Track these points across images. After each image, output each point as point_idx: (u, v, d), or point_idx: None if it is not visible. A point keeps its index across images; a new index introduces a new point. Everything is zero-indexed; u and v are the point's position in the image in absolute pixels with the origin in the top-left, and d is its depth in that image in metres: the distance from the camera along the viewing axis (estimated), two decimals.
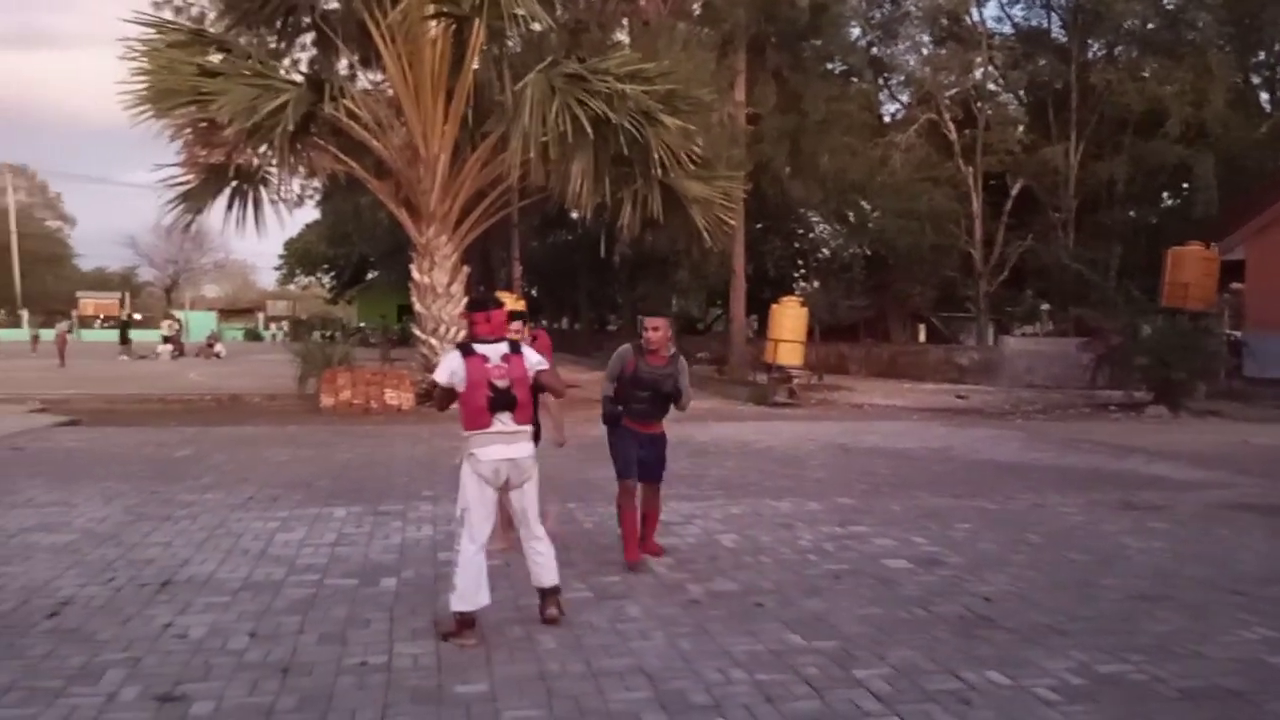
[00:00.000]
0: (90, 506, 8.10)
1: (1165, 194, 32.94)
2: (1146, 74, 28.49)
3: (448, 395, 5.04)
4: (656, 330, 6.27)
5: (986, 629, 5.13)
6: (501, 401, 4.92)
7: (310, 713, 3.94)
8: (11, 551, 6.52)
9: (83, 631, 4.90)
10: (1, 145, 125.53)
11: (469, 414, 4.95)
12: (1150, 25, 30.00)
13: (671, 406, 6.39)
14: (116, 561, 6.30)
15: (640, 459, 6.28)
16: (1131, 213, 31.33)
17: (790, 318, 20.20)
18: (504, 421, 4.95)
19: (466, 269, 19.19)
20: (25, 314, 57.53)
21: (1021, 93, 32.81)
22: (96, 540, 6.88)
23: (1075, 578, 6.22)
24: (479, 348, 4.99)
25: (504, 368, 4.96)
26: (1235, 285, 24.17)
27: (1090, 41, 31.38)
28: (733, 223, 19.82)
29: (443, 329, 18.45)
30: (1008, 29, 33.85)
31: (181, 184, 18.42)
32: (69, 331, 32.03)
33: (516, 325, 6.24)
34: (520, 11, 15.62)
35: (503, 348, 5.04)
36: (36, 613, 5.20)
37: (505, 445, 4.96)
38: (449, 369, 4.97)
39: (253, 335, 64.49)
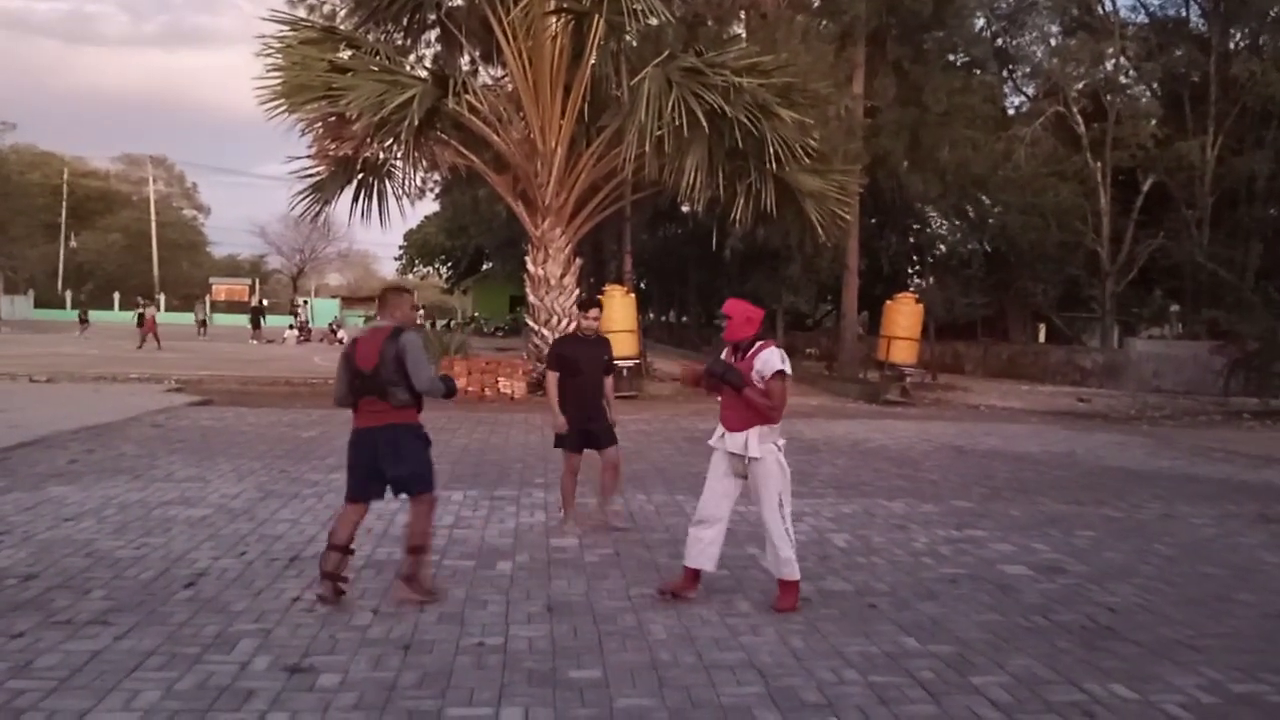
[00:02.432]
0: (224, 483, 8.50)
1: None
2: None
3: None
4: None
5: (1111, 640, 4.96)
6: None
7: (430, 689, 4.06)
8: (152, 524, 6.89)
9: (218, 602, 5.15)
10: (143, 137, 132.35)
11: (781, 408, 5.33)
12: None
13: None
14: (249, 536, 6.59)
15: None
16: (1273, 211, 29.64)
17: (905, 315, 19.84)
18: None
19: (579, 261, 19.41)
20: (116, 296, 60.14)
21: (1155, 85, 31.34)
22: (230, 515, 7.21)
23: (1207, 592, 5.96)
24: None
25: None
26: None
27: (1232, 31, 29.78)
28: (847, 217, 19.55)
29: (555, 320, 18.70)
30: (1142, 18, 32.41)
31: (311, 176, 19.11)
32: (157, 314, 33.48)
33: (595, 313, 7.17)
34: (638, 6, 15.69)
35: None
36: (175, 582, 5.48)
37: None
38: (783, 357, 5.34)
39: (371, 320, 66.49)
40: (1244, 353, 19.35)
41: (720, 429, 5.47)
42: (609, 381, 7.15)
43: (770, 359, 5.27)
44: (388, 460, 5.21)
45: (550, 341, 18.48)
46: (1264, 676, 4.49)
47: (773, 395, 5.25)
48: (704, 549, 5.41)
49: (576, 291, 19.09)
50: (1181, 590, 5.98)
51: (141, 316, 31.31)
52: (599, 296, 19.04)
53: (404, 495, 5.36)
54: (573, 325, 18.26)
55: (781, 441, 5.39)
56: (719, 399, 5.46)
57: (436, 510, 7.56)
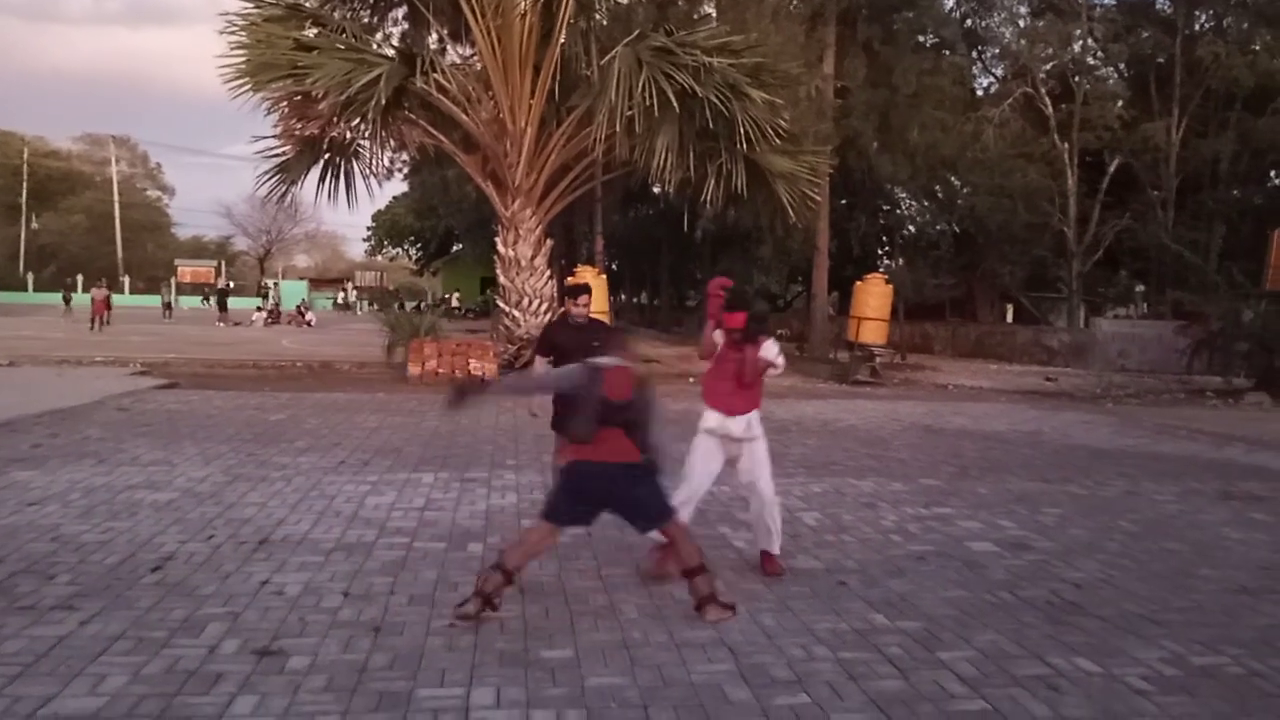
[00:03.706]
0: (190, 466, 8.41)
1: (1274, 173, 31.50)
2: (1258, 47, 27.17)
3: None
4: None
5: (1076, 616, 5.03)
6: None
7: (402, 671, 4.05)
8: (118, 507, 6.81)
9: (185, 586, 5.10)
10: (106, 117, 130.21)
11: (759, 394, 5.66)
12: None
13: None
14: (216, 520, 6.53)
15: None
16: (1236, 192, 30.03)
17: (874, 295, 19.94)
18: None
19: (550, 242, 19.35)
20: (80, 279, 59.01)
21: (1122, 66, 31.58)
22: (197, 499, 7.14)
23: (1170, 567, 6.05)
24: None
25: None
26: None
27: (1197, 13, 30.06)
28: (818, 198, 19.61)
29: (526, 301, 18.65)
30: (1109, 0, 32.67)
31: (277, 156, 18.92)
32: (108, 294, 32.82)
33: (585, 299, 6.60)
34: None
35: None
36: (142, 566, 5.42)
37: None
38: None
39: (343, 306, 65.96)
40: (1207, 332, 19.62)
41: (715, 416, 5.56)
42: None
43: (768, 349, 5.51)
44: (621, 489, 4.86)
45: (521, 322, 18.56)
46: (1224, 649, 4.57)
47: (752, 370, 5.47)
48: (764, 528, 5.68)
49: (548, 273, 19.04)
50: (1145, 566, 6.07)
51: (69, 298, 30.72)
52: (577, 279, 19.01)
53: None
54: (533, 305, 18.19)
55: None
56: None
57: (406, 492, 7.57)
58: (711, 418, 5.58)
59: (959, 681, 4.11)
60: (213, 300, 41.97)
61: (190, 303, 55.13)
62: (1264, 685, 4.17)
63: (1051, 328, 32.03)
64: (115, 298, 37.85)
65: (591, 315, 6.80)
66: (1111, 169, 29.21)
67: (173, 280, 57.92)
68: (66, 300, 40.42)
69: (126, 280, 58.85)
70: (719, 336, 5.57)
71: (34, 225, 66.45)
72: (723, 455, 5.59)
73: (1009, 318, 37.56)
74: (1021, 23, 31.19)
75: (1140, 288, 34.29)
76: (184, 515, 6.63)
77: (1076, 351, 26.65)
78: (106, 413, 11.80)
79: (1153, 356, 23.84)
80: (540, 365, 6.62)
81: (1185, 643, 4.64)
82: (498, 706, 3.74)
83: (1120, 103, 29.55)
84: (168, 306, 42.78)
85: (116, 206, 67.16)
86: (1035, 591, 5.44)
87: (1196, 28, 29.72)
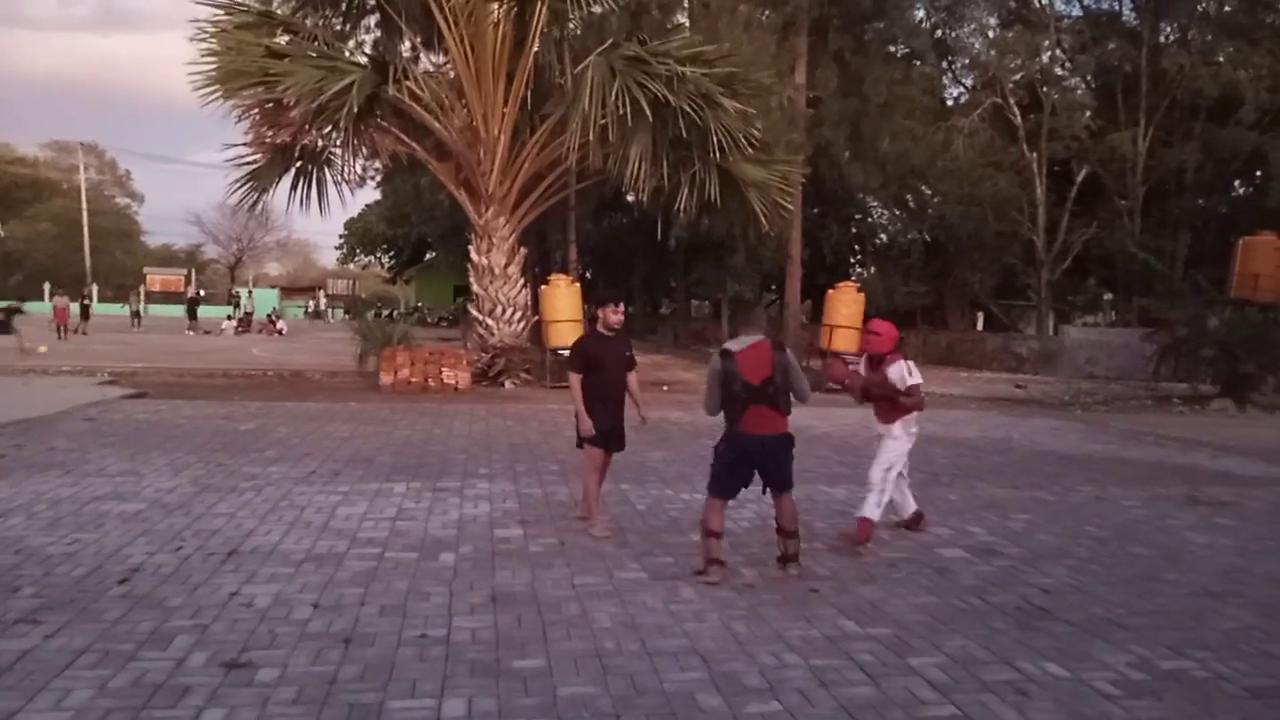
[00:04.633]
0: (159, 477, 8.32)
1: (1238, 182, 31.98)
2: (1221, 58, 27.61)
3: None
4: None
5: (1045, 621, 5.08)
6: None
7: (372, 682, 4.02)
8: (84, 519, 6.73)
9: (153, 598, 5.05)
10: (74, 123, 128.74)
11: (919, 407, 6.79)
12: (1227, 7, 29.09)
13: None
14: (185, 531, 6.47)
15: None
16: (1201, 201, 30.47)
17: (846, 303, 20.03)
18: None
19: (523, 250, 19.32)
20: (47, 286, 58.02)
21: (1089, 77, 31.99)
22: (165, 510, 7.07)
23: (1137, 572, 6.12)
24: None
25: None
26: None
27: (1163, 24, 30.50)
28: (790, 207, 19.70)
29: (499, 309, 18.60)
30: (1077, 11, 33.10)
31: (248, 164, 18.79)
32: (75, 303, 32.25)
33: (614, 307, 6.84)
34: None
35: None
36: (109, 579, 5.36)
37: None
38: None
39: (314, 315, 65.47)
40: (1174, 339, 19.85)
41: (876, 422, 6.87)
42: (632, 378, 6.92)
43: (902, 374, 6.61)
44: (772, 464, 5.64)
45: (495, 330, 18.51)
46: (1190, 653, 4.63)
47: (915, 397, 6.66)
48: (905, 498, 7.04)
49: (521, 281, 19.00)
50: (1112, 571, 6.13)
51: (11, 310, 29.96)
52: (545, 285, 18.99)
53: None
54: (507, 313, 18.08)
55: (915, 429, 6.79)
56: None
57: (377, 502, 7.53)
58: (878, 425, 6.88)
59: (929, 687, 4.13)
60: (138, 308, 41.08)
61: (160, 311, 54.47)
62: (1229, 688, 4.22)
63: (1021, 335, 32.34)
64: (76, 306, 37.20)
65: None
66: (1079, 178, 29.57)
67: (141, 288, 57.27)
68: (85, 309, 39.80)
69: (95, 288, 58.01)
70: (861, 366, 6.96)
71: (0, 233, 65.54)
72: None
73: (979, 325, 37.90)
74: (991, 33, 31.53)
75: (1108, 295, 34.69)
76: (152, 526, 6.56)
77: (1045, 358, 26.92)
78: (73, 423, 11.66)
79: (1120, 363, 24.11)
80: (576, 381, 6.63)
81: (1152, 646, 4.70)
82: (469, 717, 3.73)
83: (1088, 113, 29.91)
84: (136, 315, 42.25)
85: (85, 214, 66.25)
86: (1005, 597, 5.49)
87: (1162, 39, 30.17)
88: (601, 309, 6.87)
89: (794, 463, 5.73)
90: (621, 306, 6.94)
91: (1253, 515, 8.09)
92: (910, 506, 7.09)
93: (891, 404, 6.69)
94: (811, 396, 5.92)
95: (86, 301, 38.89)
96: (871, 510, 6.53)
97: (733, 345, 5.68)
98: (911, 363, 6.75)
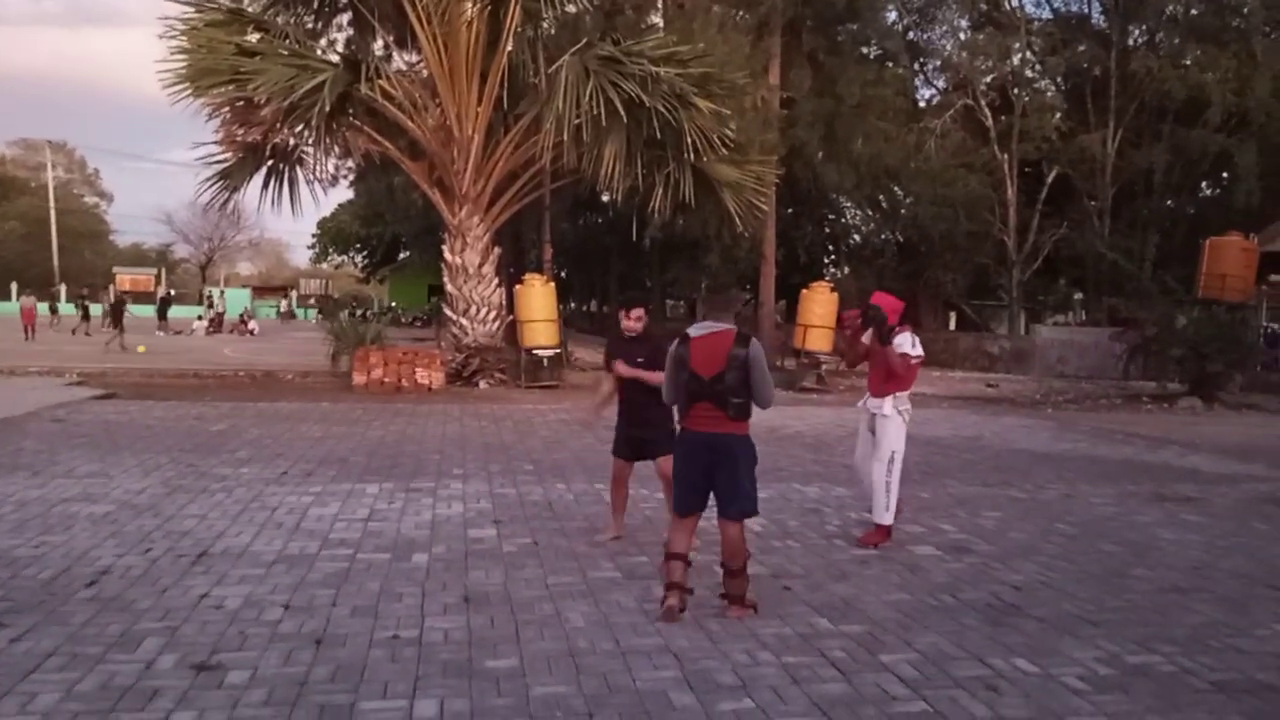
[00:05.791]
0: (128, 478, 8.24)
1: (1205, 183, 32.45)
2: (1189, 61, 28.01)
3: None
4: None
5: (1015, 617, 5.12)
6: None
7: (344, 684, 4.00)
8: (52, 521, 6.65)
9: (121, 600, 5.00)
10: (41, 121, 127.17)
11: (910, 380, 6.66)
12: (1194, 11, 29.48)
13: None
14: (154, 533, 6.41)
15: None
16: (1169, 202, 30.89)
17: (820, 303, 20.12)
18: None
19: (498, 250, 19.27)
20: (14, 286, 57.20)
21: (1059, 79, 32.34)
22: (134, 511, 7.00)
23: (1106, 568, 6.19)
24: None
25: None
26: (1275, 277, 23.78)
27: (1131, 28, 30.90)
28: (764, 208, 19.78)
29: (474, 309, 18.54)
30: (1046, 14, 33.44)
31: (219, 162, 18.63)
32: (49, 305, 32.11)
33: (638, 312, 6.33)
34: None
35: None
36: (77, 581, 5.30)
37: None
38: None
39: (286, 315, 64.93)
40: (1142, 338, 20.08)
41: (866, 395, 6.75)
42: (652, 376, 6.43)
43: (907, 344, 6.57)
44: (719, 469, 4.96)
45: (469, 330, 18.46)
46: (1158, 648, 4.69)
47: (909, 367, 6.60)
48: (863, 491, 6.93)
49: (496, 280, 18.95)
50: (1082, 567, 6.20)
51: (121, 304, 30.11)
52: (519, 284, 18.95)
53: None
54: (481, 313, 18.09)
55: (907, 408, 6.67)
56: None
57: (350, 503, 7.49)
58: (863, 399, 6.83)
59: (900, 683, 4.16)
60: (92, 307, 40.42)
61: (132, 311, 53.82)
62: (1195, 682, 4.28)
63: (993, 334, 32.63)
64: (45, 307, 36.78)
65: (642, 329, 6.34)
66: (1050, 179, 29.87)
67: (111, 288, 56.60)
68: (53, 310, 39.36)
69: (63, 288, 57.28)
70: (866, 339, 6.76)
71: None
72: (868, 428, 6.74)
73: (952, 325, 38.17)
74: (962, 35, 31.82)
75: (1078, 295, 35.08)
76: (121, 528, 6.50)
77: (1017, 358, 27.18)
78: (41, 424, 11.52)
79: (1090, 362, 24.37)
80: (608, 381, 6.50)
81: (1120, 642, 4.75)
82: (441, 718, 3.72)
83: (1058, 115, 30.26)
84: (106, 316, 41.69)
85: (53, 213, 65.48)
86: (975, 594, 5.53)
87: (1131, 42, 30.54)
88: (621, 311, 6.53)
89: (751, 478, 5.02)
90: (638, 311, 6.31)
91: (1219, 512, 8.20)
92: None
93: (886, 373, 6.58)
94: (775, 401, 5.23)
95: (87, 302, 38.05)
96: (885, 516, 6.54)
97: (694, 330, 5.10)
98: (916, 337, 6.68)
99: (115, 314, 27.58)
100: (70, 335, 32.42)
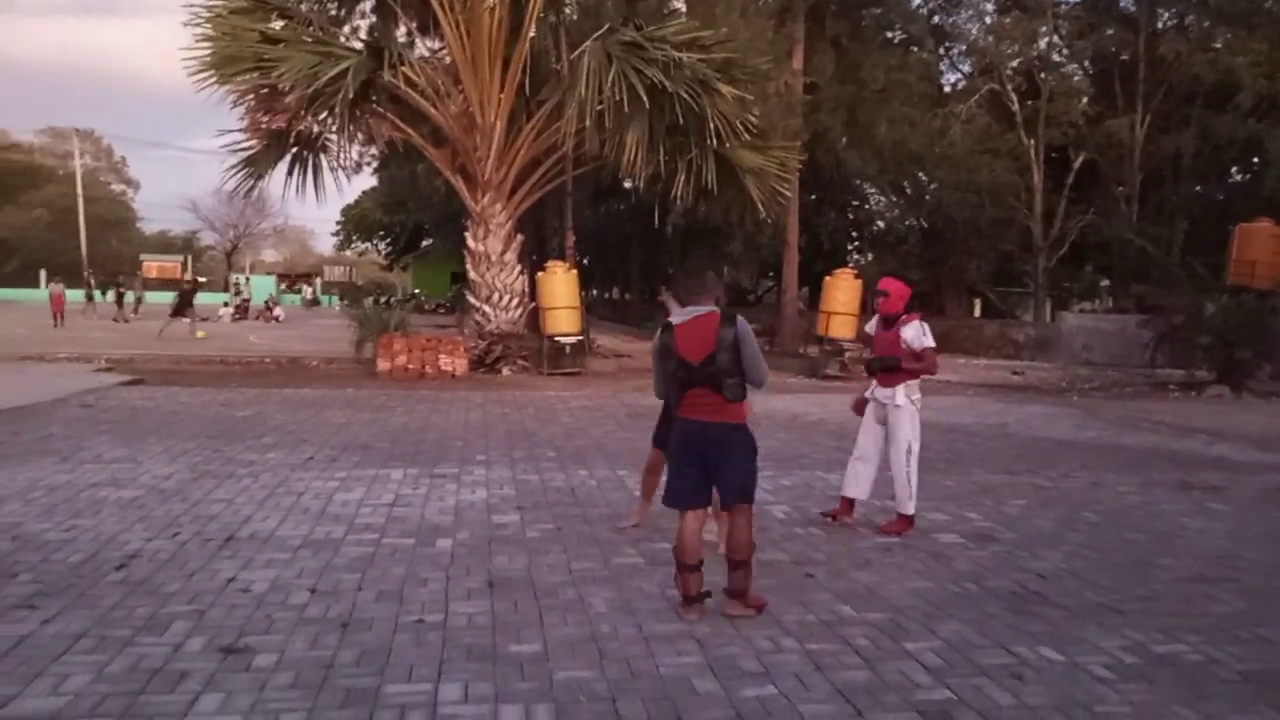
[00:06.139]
0: (156, 463, 8.33)
1: (1234, 169, 31.97)
2: (1219, 45, 27.55)
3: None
4: None
5: (1039, 605, 5.10)
6: None
7: (369, 667, 4.04)
8: (81, 505, 6.73)
9: (150, 584, 5.06)
10: (68, 110, 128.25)
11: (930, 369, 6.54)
12: None
13: None
14: (181, 517, 6.48)
15: None
16: (1198, 188, 30.48)
17: (843, 290, 20.02)
18: None
19: (520, 237, 19.29)
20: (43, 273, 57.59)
21: (1087, 63, 31.95)
22: (162, 496, 7.08)
23: (1131, 557, 6.15)
24: None
25: None
26: None
27: (1160, 10, 30.43)
28: (787, 194, 19.67)
29: (496, 296, 18.58)
30: None
31: (243, 150, 18.73)
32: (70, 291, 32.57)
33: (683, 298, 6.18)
34: None
35: None
36: (105, 565, 5.37)
37: None
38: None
39: (311, 302, 65.26)
40: (1170, 326, 19.84)
41: (873, 384, 6.66)
42: None
43: (918, 334, 6.42)
44: (717, 460, 4.77)
45: (491, 317, 18.51)
46: (1183, 637, 4.65)
47: (927, 361, 6.48)
48: (858, 480, 6.71)
49: (519, 268, 18.98)
50: (1107, 556, 6.16)
51: (191, 290, 30.65)
52: (542, 271, 18.98)
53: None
54: (504, 300, 18.09)
55: (918, 396, 6.58)
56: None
57: (374, 488, 7.54)
58: (870, 386, 6.76)
59: (924, 671, 4.15)
60: (110, 295, 40.63)
61: (156, 298, 54.36)
62: (1221, 672, 4.24)
63: (1017, 322, 32.38)
64: (75, 294, 37.06)
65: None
66: (1076, 165, 29.55)
67: (138, 275, 57.07)
68: (89, 298, 39.75)
69: (91, 276, 57.83)
70: (871, 327, 6.82)
71: None
72: (877, 419, 6.69)
73: (976, 312, 37.92)
74: (988, 19, 31.47)
75: (1104, 282, 34.72)
76: (149, 513, 6.57)
77: (1042, 345, 26.95)
78: (69, 409, 11.66)
79: (1116, 350, 24.12)
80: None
81: (1146, 631, 4.72)
82: (465, 701, 3.74)
83: (1085, 99, 29.90)
84: (139, 302, 42.04)
85: (80, 201, 66.05)
86: (1000, 582, 5.51)
87: (1159, 25, 30.10)
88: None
89: (751, 465, 4.84)
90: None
91: (1246, 501, 8.12)
92: (854, 489, 6.75)
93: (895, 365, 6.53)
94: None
95: (122, 290, 38.29)
96: (909, 505, 6.54)
97: (675, 317, 4.89)
98: (926, 324, 6.55)
99: (183, 301, 28.14)
100: (112, 323, 32.71)
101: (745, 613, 4.72)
